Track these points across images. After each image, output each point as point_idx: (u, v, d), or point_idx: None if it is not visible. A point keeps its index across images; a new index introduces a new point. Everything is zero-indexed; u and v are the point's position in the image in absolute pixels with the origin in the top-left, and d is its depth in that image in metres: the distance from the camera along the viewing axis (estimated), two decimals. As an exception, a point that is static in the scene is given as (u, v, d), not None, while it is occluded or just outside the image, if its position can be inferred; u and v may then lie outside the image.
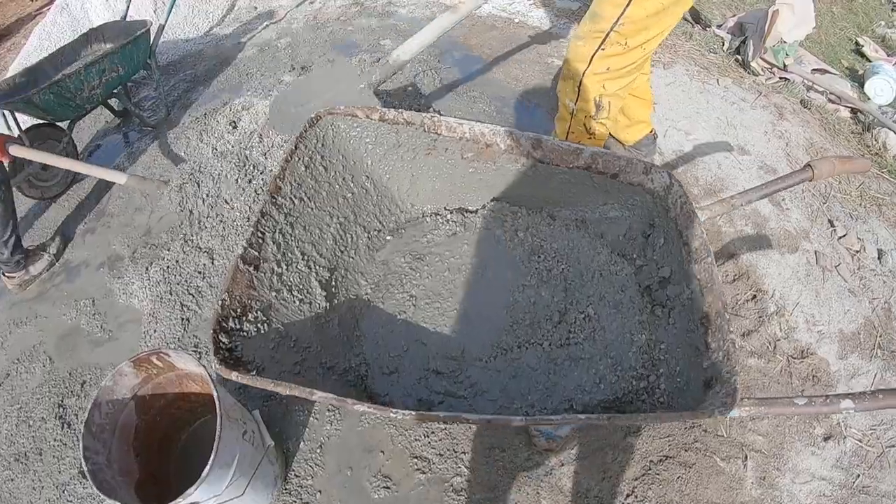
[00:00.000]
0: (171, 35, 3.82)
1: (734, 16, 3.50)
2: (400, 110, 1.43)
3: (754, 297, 2.01)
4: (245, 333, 1.05)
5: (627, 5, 1.62)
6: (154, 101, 3.18)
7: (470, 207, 1.56)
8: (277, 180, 1.24)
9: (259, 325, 1.09)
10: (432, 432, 1.65)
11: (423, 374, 1.20)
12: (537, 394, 1.16)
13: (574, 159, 1.48)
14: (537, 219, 1.48)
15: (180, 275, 2.11)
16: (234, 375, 0.92)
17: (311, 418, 1.70)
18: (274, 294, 1.14)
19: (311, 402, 1.72)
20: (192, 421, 1.55)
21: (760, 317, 1.96)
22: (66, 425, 1.80)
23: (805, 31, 2.92)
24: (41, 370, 1.96)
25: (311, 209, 1.31)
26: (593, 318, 1.30)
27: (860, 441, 1.73)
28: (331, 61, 3.29)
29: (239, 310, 1.06)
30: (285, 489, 1.58)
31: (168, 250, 2.22)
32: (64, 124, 2.59)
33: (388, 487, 1.57)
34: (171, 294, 2.06)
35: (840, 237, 2.23)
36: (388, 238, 1.48)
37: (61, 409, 1.84)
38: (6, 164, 2.15)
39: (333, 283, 1.30)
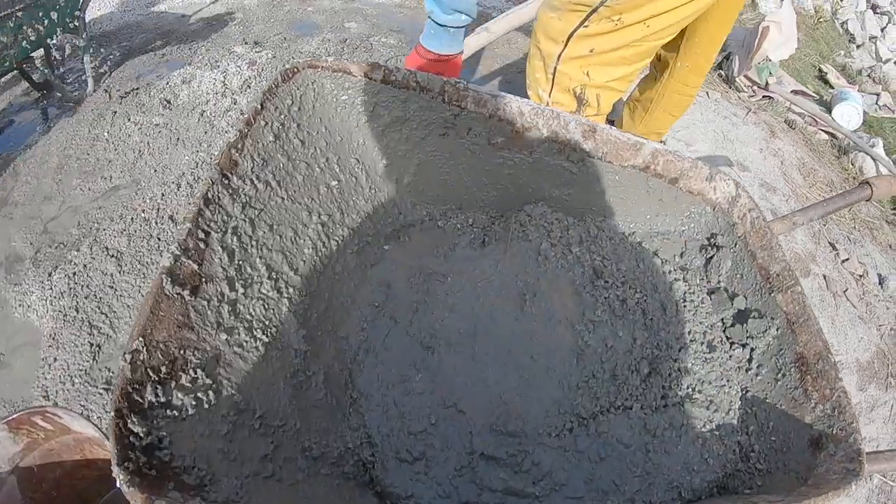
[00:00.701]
0: (108, 5, 3.15)
1: (711, 34, 3.31)
2: (412, 71, 0.97)
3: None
4: (176, 411, 0.52)
5: None
6: (80, 74, 2.51)
7: (495, 212, 1.12)
8: (233, 151, 0.75)
9: (200, 392, 0.55)
10: None
11: (466, 459, 0.71)
12: (636, 482, 0.73)
13: (632, 156, 1.09)
14: (592, 230, 1.06)
15: (89, 286, 1.54)
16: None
17: None
18: (224, 337, 0.62)
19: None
20: (104, 491, 1.05)
21: (784, 349, 1.68)
22: None
23: (789, 51, 2.75)
24: None
25: (282, 199, 0.82)
26: (691, 369, 0.90)
27: (884, 477, 1.55)
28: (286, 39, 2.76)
29: (164, 368, 0.54)
30: None
31: (77, 251, 1.63)
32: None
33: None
34: (76, 311, 1.49)
35: (843, 261, 2.03)
36: (386, 247, 1.01)
37: None
38: None
39: (314, 315, 0.79)
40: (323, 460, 0.66)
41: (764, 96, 2.79)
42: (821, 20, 3.79)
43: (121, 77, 2.50)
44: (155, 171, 1.86)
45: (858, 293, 1.94)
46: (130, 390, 0.51)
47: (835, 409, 0.85)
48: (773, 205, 2.14)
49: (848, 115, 2.90)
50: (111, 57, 2.68)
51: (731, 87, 2.85)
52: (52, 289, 1.54)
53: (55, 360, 1.40)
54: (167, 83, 2.17)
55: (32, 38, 1.96)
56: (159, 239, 1.67)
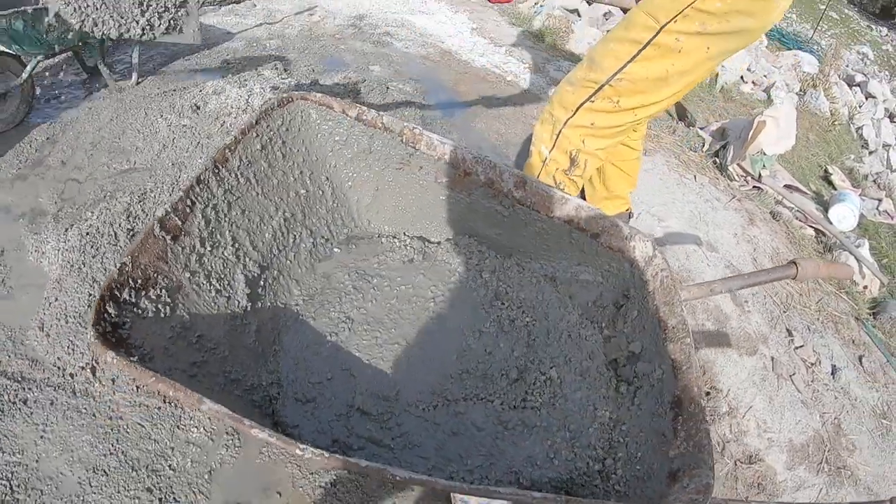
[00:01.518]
0: (160, 9, 3.66)
1: (718, 122, 3.64)
2: (380, 113, 1.30)
3: (708, 393, 1.93)
4: (140, 311, 0.84)
5: (630, 61, 1.53)
6: (127, 66, 2.96)
7: (432, 238, 1.41)
8: (226, 150, 1.06)
9: (160, 305, 0.87)
10: (340, 482, 1.42)
11: (346, 410, 0.99)
12: (479, 459, 0.97)
13: (557, 208, 1.37)
14: (506, 263, 1.34)
15: (96, 247, 1.85)
16: (109, 356, 0.71)
17: (205, 437, 1.45)
18: (188, 275, 0.94)
19: (206, 419, 1.47)
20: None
21: (712, 415, 1.87)
22: None
23: (785, 147, 3.04)
24: None
25: (257, 194, 1.13)
26: (555, 381, 1.14)
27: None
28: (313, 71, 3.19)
29: (140, 281, 0.85)
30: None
31: (91, 213, 1.97)
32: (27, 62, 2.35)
33: (278, 535, 1.32)
34: (83, 264, 1.80)
35: (797, 347, 2.22)
36: (336, 250, 1.30)
37: None
38: None
39: (262, 283, 1.09)
40: (238, 385, 0.93)
41: (754, 187, 3.07)
42: (835, 123, 4.11)
43: (161, 76, 2.94)
44: (172, 164, 2.21)
45: (807, 379, 2.13)
46: (114, 287, 0.80)
47: (696, 447, 1.05)
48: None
49: (843, 215, 3.15)
50: (155, 58, 3.14)
51: (723, 175, 3.14)
52: (66, 242, 1.85)
53: (56, 300, 1.69)
54: (200, 90, 2.57)
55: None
56: (142, 216, 1.99)
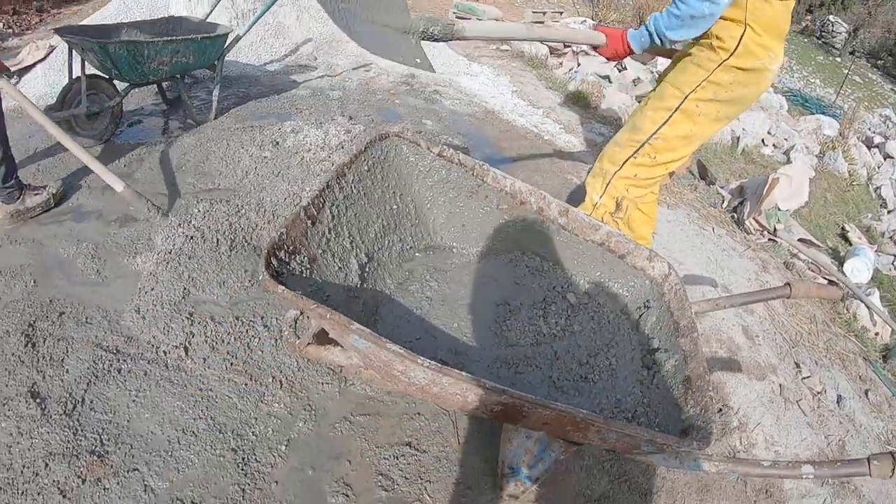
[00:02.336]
0: (235, 54, 4.26)
1: (738, 181, 4.03)
2: (457, 151, 1.71)
3: (720, 410, 2.20)
4: (291, 268, 1.24)
5: (664, 124, 2.01)
6: (204, 102, 3.49)
7: (494, 252, 1.82)
8: (344, 167, 1.49)
9: (303, 268, 1.28)
10: (401, 455, 1.73)
11: (432, 360, 1.36)
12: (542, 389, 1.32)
13: (592, 233, 1.75)
14: (558, 272, 1.73)
15: (194, 249, 2.25)
16: (280, 289, 1.08)
17: (285, 411, 1.78)
18: (320, 251, 1.34)
19: (287, 397, 1.80)
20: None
21: (724, 428, 2.14)
22: (30, 344, 1.83)
23: (798, 203, 3.40)
24: (21, 288, 2.02)
25: (364, 203, 1.54)
26: (614, 366, 1.49)
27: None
28: (374, 121, 3.68)
29: (290, 248, 1.26)
30: (242, 469, 1.62)
31: (180, 227, 2.38)
32: (121, 87, 2.84)
33: (346, 496, 1.62)
34: (178, 263, 2.19)
35: (804, 377, 2.49)
36: (417, 255, 1.70)
37: (31, 329, 1.87)
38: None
39: (367, 269, 1.50)
40: None
41: (769, 239, 3.42)
42: (853, 183, 4.47)
43: (237, 115, 3.45)
44: (254, 188, 2.65)
45: (812, 405, 2.38)
46: (275, 246, 1.19)
47: (703, 410, 1.38)
48: (746, 322, 2.68)
49: (857, 268, 3.46)
50: (230, 98, 3.67)
51: (740, 228, 3.50)
52: (156, 247, 2.25)
53: (152, 289, 2.06)
54: (279, 128, 3.04)
55: (183, 63, 2.89)
56: (240, 228, 2.39)
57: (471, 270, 1.68)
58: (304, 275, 1.30)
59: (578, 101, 4.89)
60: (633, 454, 1.27)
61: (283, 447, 1.70)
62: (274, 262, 1.20)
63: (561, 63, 5.71)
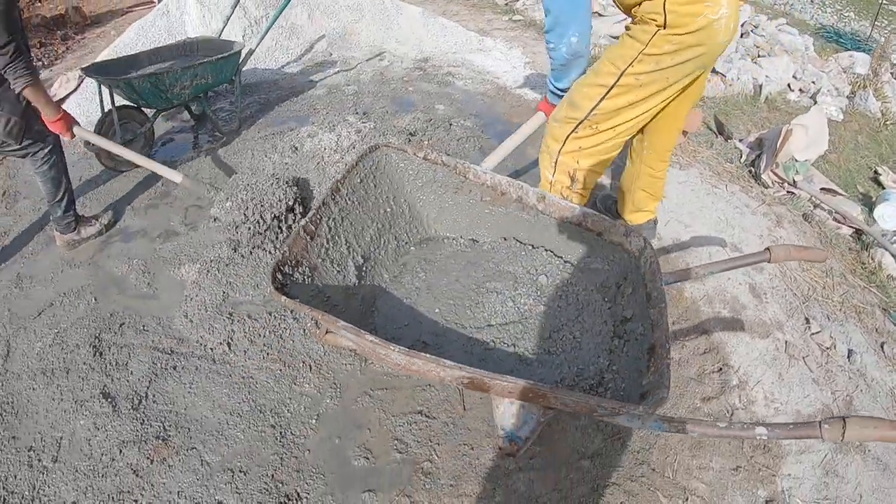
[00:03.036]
0: (253, 62, 4.55)
1: (758, 132, 4.03)
2: (440, 153, 1.94)
3: (720, 370, 2.36)
4: (294, 279, 1.52)
5: (600, 100, 2.04)
6: (228, 113, 3.83)
7: (481, 239, 2.04)
8: (338, 183, 1.75)
9: (305, 277, 1.56)
10: (414, 422, 2.02)
11: (415, 343, 1.64)
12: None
13: (568, 215, 1.94)
14: (538, 254, 1.94)
15: (226, 264, 2.59)
16: (283, 299, 1.37)
17: (315, 391, 2.10)
18: (320, 260, 1.62)
19: (316, 378, 2.12)
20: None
21: (723, 387, 2.30)
22: (98, 354, 2.21)
23: (816, 153, 3.41)
24: (84, 306, 2.41)
25: (359, 211, 1.81)
26: (577, 339, 1.70)
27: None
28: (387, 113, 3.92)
29: (293, 262, 1.54)
30: (280, 441, 1.95)
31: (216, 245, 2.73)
32: (149, 113, 3.19)
33: (367, 459, 1.92)
34: (217, 271, 2.54)
35: (813, 333, 2.57)
36: (412, 248, 1.96)
37: (97, 340, 2.26)
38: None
39: (364, 269, 1.79)
40: None
41: (788, 192, 3.44)
42: (887, 123, 4.33)
43: (260, 122, 3.77)
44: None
45: (820, 361, 2.47)
46: (280, 264, 1.48)
47: (659, 376, 1.57)
48: (754, 280, 2.78)
49: (887, 214, 3.42)
50: (252, 105, 3.99)
51: (758, 183, 3.54)
52: (208, 254, 2.61)
53: (196, 295, 2.42)
54: (296, 134, 3.33)
55: (202, 84, 3.21)
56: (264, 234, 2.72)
57: (456, 259, 1.92)
58: (307, 282, 1.57)
59: (591, 65, 4.90)
60: (596, 416, 1.49)
61: (314, 421, 2.03)
62: (279, 276, 1.48)
63: (576, 26, 5.69)
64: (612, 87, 2.00)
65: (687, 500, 1.95)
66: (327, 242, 1.69)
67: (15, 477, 1.84)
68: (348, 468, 1.90)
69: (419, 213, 2.04)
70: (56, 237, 2.67)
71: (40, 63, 4.64)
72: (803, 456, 2.14)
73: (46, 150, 2.45)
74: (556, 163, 2.28)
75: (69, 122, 2.46)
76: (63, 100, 3.79)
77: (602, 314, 1.80)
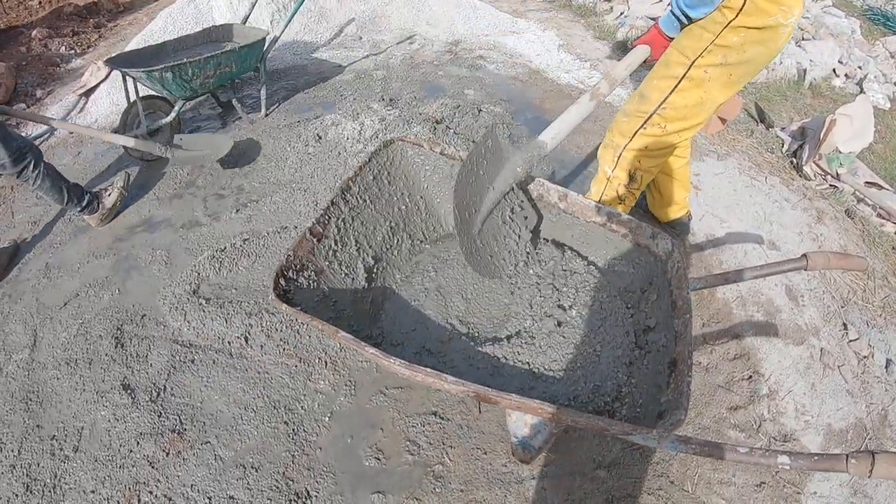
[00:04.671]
0: (281, 47, 4.47)
1: (801, 120, 3.75)
2: (457, 148, 1.81)
3: (750, 377, 2.21)
4: (299, 284, 1.44)
5: (671, 92, 1.95)
6: (255, 100, 3.76)
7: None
8: (349, 181, 1.65)
9: (310, 281, 1.47)
10: (428, 423, 1.95)
11: (420, 350, 1.54)
12: (513, 389, 1.45)
13: (592, 215, 1.80)
14: (562, 254, 1.81)
15: (254, 247, 2.56)
16: (283, 307, 1.29)
17: (329, 388, 2.05)
18: (327, 263, 1.53)
19: (331, 374, 2.06)
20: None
21: (752, 396, 2.15)
22: (119, 345, 2.19)
23: (861, 145, 3.14)
24: (109, 297, 2.40)
25: (371, 210, 1.71)
26: (598, 353, 1.58)
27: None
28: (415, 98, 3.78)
29: (298, 266, 1.45)
30: (292, 438, 1.91)
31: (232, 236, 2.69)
32: (175, 102, 3.14)
33: (379, 459, 1.86)
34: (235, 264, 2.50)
35: (851, 340, 2.39)
36: (427, 247, 1.85)
37: (119, 332, 2.25)
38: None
39: (375, 270, 1.68)
40: (357, 334, 1.49)
41: (831, 185, 3.19)
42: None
43: (286, 109, 3.68)
44: (300, 184, 2.90)
45: (856, 371, 2.30)
46: (283, 268, 1.39)
47: (679, 394, 1.44)
48: (791, 281, 2.59)
49: (937, 213, 3.16)
50: (279, 92, 3.90)
51: (799, 175, 3.29)
52: (224, 247, 2.57)
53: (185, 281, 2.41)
54: (321, 122, 3.25)
55: (227, 73, 3.14)
56: (290, 225, 2.66)
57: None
58: (312, 287, 1.49)
59: (627, 50, 4.65)
60: (609, 434, 1.38)
61: (327, 419, 1.97)
62: (282, 282, 1.40)
63: (611, 7, 5.42)
64: (681, 79, 1.93)
65: (706, 516, 1.83)
66: (336, 244, 1.60)
67: (38, 465, 1.85)
68: (359, 468, 1.85)
69: (436, 209, 1.92)
70: (87, 220, 2.71)
71: (73, 52, 4.63)
72: (831, 474, 2.01)
73: (31, 165, 2.45)
74: (618, 157, 2.19)
75: None
76: (93, 89, 3.78)
77: (625, 324, 1.67)
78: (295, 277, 1.45)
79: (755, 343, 2.32)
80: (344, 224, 1.63)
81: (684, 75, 1.93)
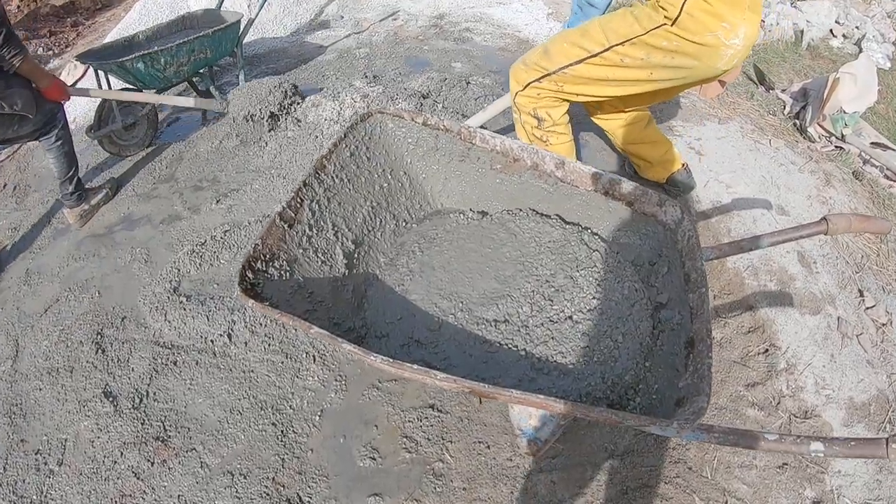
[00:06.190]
0: (261, 31, 4.23)
1: (801, 81, 3.53)
2: (441, 117, 1.61)
3: (766, 351, 2.03)
4: (269, 275, 1.25)
5: (577, 63, 1.77)
6: (235, 87, 3.52)
7: (493, 213, 1.72)
8: (324, 159, 1.45)
9: (282, 272, 1.27)
10: (425, 417, 1.78)
11: (407, 341, 1.35)
12: (510, 381, 1.27)
13: (593, 183, 1.61)
14: (568, 230, 1.61)
15: (236, 239, 2.36)
16: (249, 303, 1.11)
17: (319, 384, 1.87)
18: (301, 251, 1.33)
19: (320, 370, 1.89)
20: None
21: (769, 371, 1.98)
22: (100, 350, 2.03)
23: (866, 104, 2.94)
24: (89, 301, 2.22)
25: (349, 190, 1.50)
26: (620, 344, 1.38)
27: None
28: (400, 74, 3.56)
29: (268, 255, 1.25)
30: (281, 440, 1.74)
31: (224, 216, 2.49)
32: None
33: (374, 459, 1.70)
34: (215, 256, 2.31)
35: (868, 308, 2.22)
36: (414, 226, 1.65)
37: (99, 337, 2.08)
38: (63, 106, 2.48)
39: (356, 255, 1.48)
40: (338, 327, 1.31)
41: (836, 147, 2.99)
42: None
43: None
44: (279, 171, 2.69)
45: (875, 340, 2.13)
46: (251, 259, 1.19)
47: (699, 378, 1.25)
48: (803, 248, 2.40)
49: (946, 172, 2.97)
50: (259, 76, 3.67)
51: (803, 137, 3.09)
52: (204, 240, 2.38)
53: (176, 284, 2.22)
54: (301, 105, 3.03)
55: (203, 59, 2.92)
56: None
57: (461, 234, 1.61)
58: (285, 277, 1.30)
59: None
60: (624, 426, 1.20)
61: (317, 417, 1.80)
62: (249, 274, 1.21)
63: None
64: (594, 56, 1.74)
65: (726, 503, 1.67)
66: (310, 229, 1.40)
67: (24, 481, 1.71)
68: (353, 469, 1.68)
69: (421, 186, 1.72)
70: (67, 214, 2.55)
71: (51, 52, 4.42)
72: (856, 448, 1.85)
73: (59, 128, 2.38)
74: (514, 102, 2.03)
75: (63, 86, 2.38)
76: (71, 87, 3.56)
77: (644, 307, 1.47)
78: (264, 268, 1.26)
79: (770, 314, 2.14)
80: (319, 206, 1.43)
81: (598, 54, 1.74)
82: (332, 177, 1.47)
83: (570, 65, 1.78)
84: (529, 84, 1.91)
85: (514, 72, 1.98)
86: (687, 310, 1.39)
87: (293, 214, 1.35)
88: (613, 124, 2.34)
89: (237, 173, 2.77)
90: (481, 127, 2.04)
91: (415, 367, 0.99)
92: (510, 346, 1.32)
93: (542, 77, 1.86)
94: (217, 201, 2.61)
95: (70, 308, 2.21)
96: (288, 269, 1.31)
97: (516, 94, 1.97)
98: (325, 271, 1.39)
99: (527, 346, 1.32)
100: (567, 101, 1.98)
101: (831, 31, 4.19)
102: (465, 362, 1.30)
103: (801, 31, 4.01)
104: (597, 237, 1.61)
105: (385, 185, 1.63)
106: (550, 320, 1.35)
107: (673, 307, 1.43)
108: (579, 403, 1.06)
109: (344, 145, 1.51)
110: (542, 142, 2.07)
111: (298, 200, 1.37)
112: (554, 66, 1.82)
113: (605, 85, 1.79)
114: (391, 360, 1.00)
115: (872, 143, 3.01)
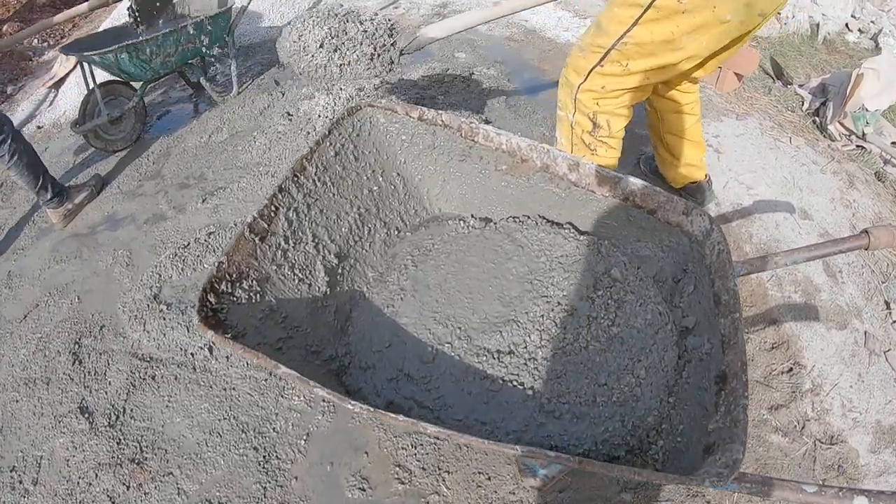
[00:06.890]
0: (254, 20, 4.00)
1: (819, 77, 3.30)
2: (439, 112, 1.40)
3: (790, 369, 1.84)
4: (235, 299, 1.03)
5: (633, 24, 1.48)
6: (227, 77, 3.31)
7: (497, 219, 1.50)
8: (304, 160, 1.23)
9: (252, 293, 1.06)
10: (420, 444, 1.59)
11: (396, 374, 1.13)
12: (514, 425, 1.06)
13: (611, 188, 1.40)
14: (583, 242, 1.38)
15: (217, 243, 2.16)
16: (209, 334, 0.90)
17: (304, 404, 1.68)
18: (275, 268, 1.12)
19: (306, 389, 1.69)
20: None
21: (793, 392, 1.79)
22: (77, 361, 1.86)
23: (889, 101, 2.72)
24: (68, 307, 2.05)
25: (333, 194, 1.29)
26: (642, 379, 1.16)
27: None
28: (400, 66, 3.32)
29: (234, 275, 1.04)
30: (263, 467, 1.55)
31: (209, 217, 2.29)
32: (137, 86, 2.72)
33: (363, 490, 1.51)
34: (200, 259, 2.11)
35: (895, 321, 2.02)
36: (408, 234, 1.44)
37: (77, 346, 1.91)
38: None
39: (340, 270, 1.26)
40: (318, 356, 1.10)
41: (858, 146, 2.77)
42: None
43: (260, 84, 3.24)
44: (268, 169, 2.49)
45: (905, 357, 1.95)
46: (213, 281, 0.99)
47: (733, 422, 1.04)
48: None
49: (971, 174, 2.75)
50: (254, 68, 3.45)
51: (823, 135, 2.87)
52: (187, 242, 2.18)
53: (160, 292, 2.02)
54: (293, 98, 2.82)
55: (191, 49, 2.70)
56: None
57: (460, 245, 1.38)
58: (255, 300, 1.09)
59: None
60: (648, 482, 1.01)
61: (303, 441, 1.61)
62: (212, 299, 1.00)
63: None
64: (647, 8, 1.44)
65: (751, 543, 1.48)
66: (286, 242, 1.18)
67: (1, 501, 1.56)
68: (341, 500, 1.51)
69: (416, 189, 1.51)
70: (50, 214, 2.37)
71: (46, 44, 4.19)
72: (881, 478, 1.67)
73: (10, 141, 2.16)
74: (575, 100, 1.73)
75: None
76: (63, 79, 3.39)
77: (669, 332, 1.26)
78: (230, 290, 1.05)
79: (795, 329, 1.94)
80: (297, 215, 1.21)
81: (651, 3, 1.45)
82: (314, 180, 1.25)
83: (628, 30, 1.51)
84: (592, 71, 1.63)
85: (572, 61, 1.72)
86: (717, 337, 1.19)
87: (266, 225, 1.13)
88: (668, 105, 2.05)
89: (225, 170, 2.56)
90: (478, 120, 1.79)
91: (400, 417, 0.80)
92: (515, 382, 1.10)
93: (603, 58, 1.59)
94: (203, 200, 2.41)
95: (49, 314, 2.04)
96: (259, 289, 1.09)
97: (578, 87, 1.70)
98: (302, 291, 1.17)
99: (535, 383, 1.10)
100: (636, 94, 1.72)
101: (847, 25, 3.94)
102: (462, 402, 1.09)
103: (817, 25, 3.76)
104: (615, 250, 1.39)
105: (375, 188, 1.42)
106: (563, 352, 1.13)
107: (701, 333, 1.23)
108: (597, 461, 0.87)
109: (328, 143, 1.29)
110: (588, 149, 1.81)
111: (273, 209, 1.15)
112: (611, 37, 1.55)
113: (672, 46, 1.51)
114: (372, 408, 0.80)
115: (894, 143, 2.78)
